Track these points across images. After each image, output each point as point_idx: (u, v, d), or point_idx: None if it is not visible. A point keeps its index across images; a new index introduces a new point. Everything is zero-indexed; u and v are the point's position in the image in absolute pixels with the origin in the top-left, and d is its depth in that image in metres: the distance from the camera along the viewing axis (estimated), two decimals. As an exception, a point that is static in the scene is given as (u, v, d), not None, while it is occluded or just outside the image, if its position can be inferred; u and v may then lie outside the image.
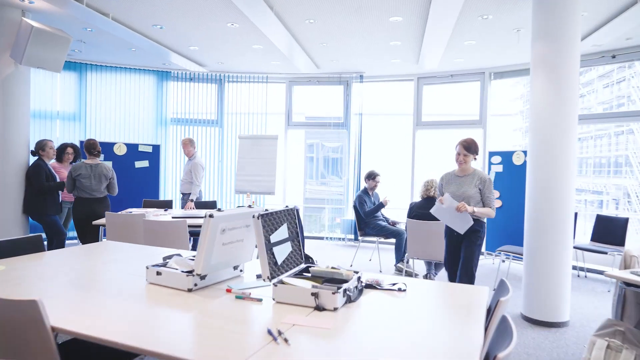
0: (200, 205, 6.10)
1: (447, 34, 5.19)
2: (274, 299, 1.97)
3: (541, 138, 4.02)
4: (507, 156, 6.52)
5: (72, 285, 2.15)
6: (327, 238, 8.28)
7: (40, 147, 5.22)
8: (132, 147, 7.14)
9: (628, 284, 2.87)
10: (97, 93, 7.53)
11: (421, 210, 4.90)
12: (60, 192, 5.32)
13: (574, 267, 5.78)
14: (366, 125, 8.19)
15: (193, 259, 2.23)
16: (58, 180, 5.29)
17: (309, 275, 2.21)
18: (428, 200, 5.05)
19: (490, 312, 1.90)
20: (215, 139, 8.35)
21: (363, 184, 6.33)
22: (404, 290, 2.21)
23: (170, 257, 2.43)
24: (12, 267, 2.43)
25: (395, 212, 6.58)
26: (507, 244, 5.91)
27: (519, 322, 4.01)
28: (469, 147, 3.60)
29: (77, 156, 5.77)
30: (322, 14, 4.85)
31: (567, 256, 3.98)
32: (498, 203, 6.59)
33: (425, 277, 4.96)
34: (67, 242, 5.56)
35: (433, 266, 5.02)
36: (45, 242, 5.33)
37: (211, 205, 6.29)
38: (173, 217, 4.63)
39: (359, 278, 2.17)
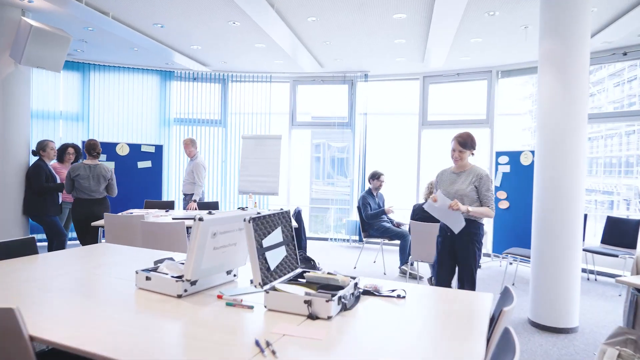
0: (202, 206, 6.03)
1: (453, 32, 5.08)
2: (265, 307, 1.88)
3: (549, 137, 3.90)
4: (514, 156, 6.38)
5: (58, 291, 2.08)
6: (331, 239, 8.19)
7: (41, 148, 5.19)
8: (134, 148, 7.10)
9: (640, 290, 2.75)
10: (100, 93, 7.51)
11: (425, 213, 4.72)
12: (60, 193, 5.28)
13: (584, 270, 5.63)
14: (371, 124, 8.09)
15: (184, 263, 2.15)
16: (58, 180, 5.25)
17: (304, 281, 2.12)
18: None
19: (493, 321, 1.80)
20: (218, 139, 8.29)
21: (368, 185, 6.23)
22: (404, 297, 2.11)
23: (161, 261, 2.35)
24: (1, 271, 2.37)
25: (400, 213, 6.47)
26: (515, 246, 5.77)
27: (526, 328, 3.89)
28: (464, 143, 3.35)
29: (78, 156, 5.73)
30: (323, 12, 4.76)
31: (577, 259, 3.86)
32: (505, 204, 6.45)
33: (430, 280, 4.84)
34: (68, 243, 5.53)
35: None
36: (46, 243, 5.30)
37: (213, 206, 6.23)
38: (173, 218, 4.57)
39: (355, 284, 2.08)
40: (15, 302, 1.54)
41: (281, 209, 2.25)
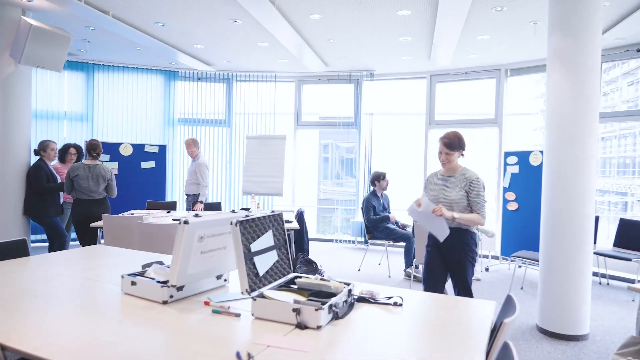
0: (205, 207, 5.96)
1: (459, 28, 4.94)
2: (252, 315, 1.79)
3: (559, 137, 3.75)
4: (523, 156, 6.22)
5: (39, 295, 2.00)
6: (336, 241, 8.08)
7: (42, 148, 5.16)
8: (138, 148, 7.06)
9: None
10: (104, 93, 7.49)
11: None
12: (61, 193, 5.25)
13: (595, 274, 5.45)
14: (377, 124, 7.97)
15: (171, 268, 2.06)
16: (59, 181, 5.21)
17: (296, 287, 2.02)
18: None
19: (494, 331, 1.68)
20: (223, 139, 8.23)
21: (371, 188, 6.10)
22: (400, 304, 2.00)
23: (150, 264, 2.27)
24: (-14, 274, 2.31)
25: (406, 214, 6.34)
26: (524, 248, 5.61)
27: (534, 334, 3.74)
28: (450, 144, 3.04)
29: (80, 157, 5.70)
30: (325, 9, 4.66)
31: (587, 263, 3.70)
32: (514, 206, 6.29)
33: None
34: (70, 243, 5.50)
35: (443, 272, 4.76)
36: (48, 244, 5.27)
37: (216, 207, 6.16)
38: (174, 219, 4.50)
39: (349, 291, 1.97)
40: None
41: (272, 211, 2.15)
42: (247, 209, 5.61)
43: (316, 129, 8.63)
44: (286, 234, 2.21)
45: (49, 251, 5.07)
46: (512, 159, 6.36)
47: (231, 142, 8.22)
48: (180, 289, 1.99)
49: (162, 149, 7.24)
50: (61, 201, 5.31)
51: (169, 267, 2.16)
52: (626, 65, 8.66)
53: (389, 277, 5.63)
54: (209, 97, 8.22)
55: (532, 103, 8.36)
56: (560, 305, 3.70)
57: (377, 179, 5.92)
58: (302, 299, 1.86)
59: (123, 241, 4.12)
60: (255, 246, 1.93)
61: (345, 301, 1.91)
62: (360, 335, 1.67)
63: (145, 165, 7.06)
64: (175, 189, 7.97)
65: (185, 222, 1.87)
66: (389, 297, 2.06)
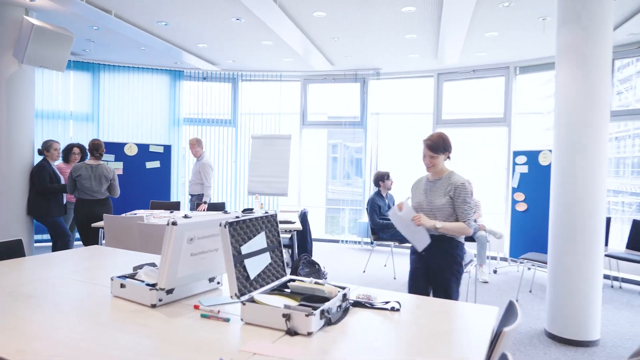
0: (209, 207, 5.93)
1: (466, 25, 4.83)
2: (242, 320, 1.72)
3: (568, 135, 3.63)
4: (532, 156, 6.08)
5: (28, 298, 1.96)
6: (342, 241, 7.99)
7: (45, 148, 5.16)
8: (143, 148, 7.05)
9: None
10: (110, 93, 7.50)
11: None
12: (64, 194, 5.24)
13: (607, 277, 5.31)
14: (384, 124, 7.87)
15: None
16: (63, 181, 5.21)
17: (289, 291, 1.95)
18: None
19: (495, 339, 1.59)
20: (229, 139, 8.20)
21: (375, 188, 6.00)
22: (398, 309, 1.92)
23: (141, 266, 2.21)
24: (-23, 276, 2.27)
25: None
26: (533, 250, 5.49)
27: (542, 340, 3.62)
28: (434, 146, 2.83)
29: (84, 156, 5.69)
30: (329, 6, 4.58)
31: (598, 265, 3.57)
32: (523, 206, 6.15)
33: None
34: (74, 243, 5.50)
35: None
36: (52, 244, 5.27)
37: (220, 207, 6.12)
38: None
39: (344, 295, 1.89)
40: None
41: (266, 212, 2.08)
42: (251, 210, 5.56)
43: (322, 129, 8.55)
44: (280, 236, 2.13)
45: (53, 251, 5.06)
46: (521, 159, 6.22)
47: (237, 142, 8.18)
48: (170, 292, 1.93)
49: (167, 148, 7.22)
50: (64, 201, 5.30)
51: (159, 270, 2.10)
52: (640, 63, 8.45)
53: (394, 278, 5.54)
54: (214, 97, 8.19)
55: (544, 102, 8.20)
56: (569, 309, 3.58)
57: (381, 179, 5.82)
58: (294, 303, 1.79)
59: (124, 241, 4.09)
60: (246, 248, 1.86)
61: (340, 306, 1.83)
62: (353, 342, 1.60)
63: (150, 165, 7.05)
64: (180, 189, 7.95)
65: (174, 224, 1.81)
66: (386, 302, 1.98)
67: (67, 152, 5.57)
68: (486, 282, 5.41)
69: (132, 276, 2.09)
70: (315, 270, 4.58)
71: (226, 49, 6.46)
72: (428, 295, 2.90)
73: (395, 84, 8.02)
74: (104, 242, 4.42)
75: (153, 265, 2.27)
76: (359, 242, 7.83)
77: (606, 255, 4.76)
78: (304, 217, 5.26)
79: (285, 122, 8.15)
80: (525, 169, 6.17)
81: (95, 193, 4.73)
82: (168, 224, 1.82)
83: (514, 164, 6.33)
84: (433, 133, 2.91)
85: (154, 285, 1.92)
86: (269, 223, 2.07)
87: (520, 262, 5.66)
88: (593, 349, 3.46)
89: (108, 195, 4.87)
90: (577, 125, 3.57)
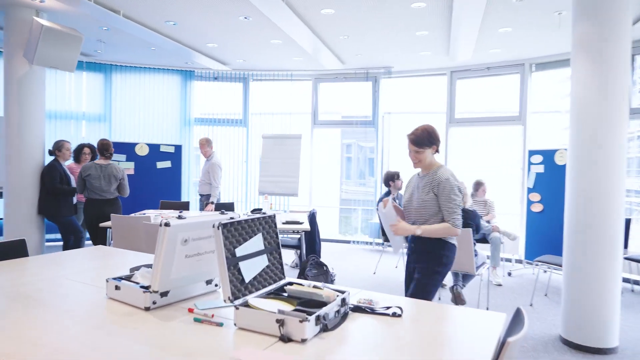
0: (217, 207, 5.91)
1: (478, 20, 4.70)
2: (235, 324, 1.66)
3: (584, 133, 3.49)
4: (548, 155, 5.90)
5: (23, 298, 1.93)
6: (353, 242, 7.90)
7: (57, 148, 5.20)
8: (154, 148, 7.08)
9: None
10: (122, 94, 7.55)
11: None
12: (74, 197, 5.28)
13: (627, 280, 5.11)
14: (396, 123, 7.76)
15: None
16: (73, 180, 5.24)
17: (286, 295, 1.88)
18: None
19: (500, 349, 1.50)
20: (240, 139, 8.18)
21: (385, 188, 5.90)
22: (399, 315, 1.84)
23: (138, 268, 2.17)
24: (-24, 276, 2.26)
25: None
26: (549, 252, 5.31)
27: (558, 347, 3.49)
28: (418, 140, 2.67)
29: (94, 156, 5.73)
30: (336, 3, 4.50)
31: (616, 269, 3.42)
32: (539, 207, 5.98)
33: (452, 289, 4.49)
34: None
35: (460, 277, 4.54)
36: (63, 243, 5.30)
37: (229, 207, 6.09)
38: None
39: (343, 300, 1.82)
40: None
41: (264, 213, 2.02)
42: (260, 210, 5.51)
43: (334, 128, 8.48)
44: (279, 237, 2.07)
45: (64, 249, 5.11)
46: (537, 158, 6.05)
47: (248, 142, 8.16)
48: (164, 294, 1.88)
49: (178, 148, 7.24)
50: (75, 201, 5.34)
51: (155, 271, 2.05)
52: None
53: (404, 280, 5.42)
54: (226, 97, 8.19)
55: (561, 101, 7.98)
56: (586, 314, 3.43)
57: (391, 178, 5.71)
58: (290, 308, 1.72)
59: (131, 241, 4.08)
60: (240, 250, 1.80)
61: (338, 311, 1.76)
62: (350, 350, 1.52)
63: (161, 165, 7.07)
64: (192, 189, 7.97)
65: (166, 224, 1.76)
66: (388, 307, 1.89)
67: (78, 152, 5.61)
68: (500, 285, 5.26)
69: (128, 278, 2.05)
70: (323, 272, 4.51)
71: (235, 48, 6.44)
72: (430, 296, 2.78)
73: (407, 83, 7.90)
74: (112, 242, 4.42)
75: (150, 266, 2.22)
76: (371, 243, 7.73)
77: (625, 258, 4.58)
78: (312, 218, 5.19)
79: (296, 121, 8.10)
80: (541, 169, 6.00)
81: (105, 193, 4.74)
82: (161, 225, 1.77)
83: (530, 163, 6.16)
84: (418, 127, 2.73)
85: (148, 287, 1.87)
86: (267, 224, 2.01)
87: (536, 265, 5.50)
88: (611, 357, 3.31)
89: (117, 195, 4.88)
90: (593, 123, 3.42)
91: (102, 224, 4.50)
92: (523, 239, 6.30)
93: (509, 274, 5.81)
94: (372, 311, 1.87)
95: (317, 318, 1.60)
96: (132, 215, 4.60)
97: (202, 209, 6.08)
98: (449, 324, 1.85)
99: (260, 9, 4.55)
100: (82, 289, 2.14)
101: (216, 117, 8.17)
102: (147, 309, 1.83)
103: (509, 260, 6.42)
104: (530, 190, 6.16)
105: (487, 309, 4.41)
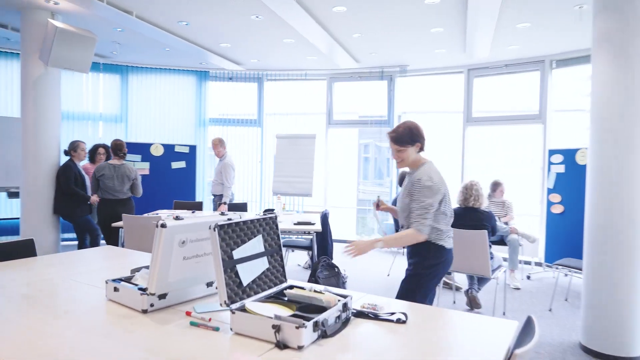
0: (230, 207, 5.90)
1: (494, 16, 4.56)
2: (231, 329, 1.61)
3: (605, 132, 3.33)
4: (569, 154, 5.70)
5: (23, 299, 1.92)
6: (368, 243, 7.79)
7: (72, 148, 5.26)
8: (168, 148, 7.12)
9: None
10: (138, 94, 7.63)
11: (463, 220, 4.15)
12: (89, 194, 5.33)
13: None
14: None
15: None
16: (88, 180, 5.29)
17: (286, 299, 1.82)
18: (467, 211, 4.22)
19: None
20: (255, 139, 8.18)
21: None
22: (404, 321, 1.76)
23: (139, 269, 2.14)
24: (-19, 275, 2.27)
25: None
26: (570, 255, 5.12)
27: (577, 354, 3.34)
28: (399, 139, 2.51)
29: (109, 157, 5.78)
30: (348, 0, 4.43)
31: (639, 273, 3.26)
32: (559, 209, 5.78)
33: (467, 292, 4.36)
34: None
35: (476, 280, 4.40)
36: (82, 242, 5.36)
37: (242, 207, 6.07)
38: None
39: (344, 305, 1.74)
40: None
41: (263, 214, 1.97)
42: (272, 210, 5.48)
43: (349, 128, 8.39)
44: (280, 239, 2.01)
45: (78, 248, 5.17)
46: (557, 158, 5.85)
47: (262, 142, 8.15)
48: (163, 297, 1.84)
49: (193, 149, 7.27)
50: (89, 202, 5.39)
51: (155, 273, 2.02)
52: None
53: (419, 283, 5.30)
54: (240, 97, 8.20)
55: (584, 99, 7.72)
56: (607, 321, 3.28)
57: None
58: (288, 312, 1.66)
59: (143, 241, 4.08)
60: (238, 253, 1.75)
61: (339, 317, 1.69)
62: (350, 358, 1.45)
63: (175, 165, 7.11)
64: (207, 189, 8.00)
65: (162, 226, 1.72)
66: (392, 313, 1.81)
67: (93, 152, 5.67)
68: (518, 289, 5.10)
69: (128, 279, 2.03)
70: (334, 274, 4.44)
71: (249, 48, 6.42)
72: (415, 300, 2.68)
73: (424, 81, 7.75)
74: (124, 242, 4.44)
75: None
76: (386, 244, 7.61)
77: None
78: (324, 219, 5.12)
79: (311, 121, 8.05)
80: (561, 169, 5.80)
81: (118, 193, 4.78)
82: (157, 226, 1.73)
83: (550, 163, 5.96)
84: (399, 124, 2.59)
85: (146, 289, 1.84)
86: (268, 226, 1.96)
87: (556, 268, 5.32)
88: (634, 366, 3.15)
89: (130, 195, 4.90)
90: (615, 121, 3.27)
91: (114, 224, 4.52)
92: (543, 241, 6.11)
93: (528, 278, 5.64)
94: (376, 317, 1.80)
95: (315, 324, 1.53)
96: (145, 215, 4.62)
97: (215, 209, 6.08)
98: (457, 331, 1.76)
99: (270, 7, 4.51)
100: (84, 290, 2.12)
101: (231, 118, 8.18)
102: (144, 311, 1.79)
103: (528, 263, 6.24)
104: (550, 191, 5.96)
105: (504, 313, 4.27)
